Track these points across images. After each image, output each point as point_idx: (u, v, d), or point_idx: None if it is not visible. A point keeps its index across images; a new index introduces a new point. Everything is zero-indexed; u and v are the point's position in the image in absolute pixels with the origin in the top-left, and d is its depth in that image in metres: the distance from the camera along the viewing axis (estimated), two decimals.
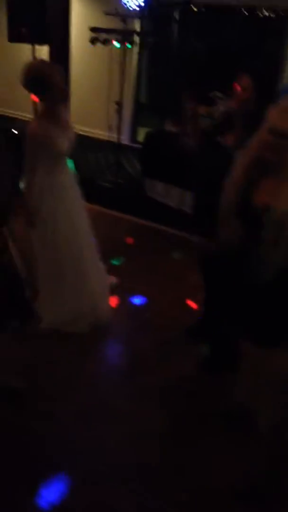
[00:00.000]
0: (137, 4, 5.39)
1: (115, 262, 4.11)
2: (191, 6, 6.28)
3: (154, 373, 2.94)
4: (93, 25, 5.97)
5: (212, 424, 2.60)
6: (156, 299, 3.67)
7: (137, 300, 3.65)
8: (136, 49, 6.40)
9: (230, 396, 2.71)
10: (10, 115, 8.44)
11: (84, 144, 7.65)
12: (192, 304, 3.60)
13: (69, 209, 3.05)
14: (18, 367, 2.83)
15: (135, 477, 2.29)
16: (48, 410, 2.59)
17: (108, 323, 3.31)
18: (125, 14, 5.53)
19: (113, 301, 3.57)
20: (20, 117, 7.59)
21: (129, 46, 5.69)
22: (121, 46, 5.71)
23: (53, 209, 2.98)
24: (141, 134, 6.92)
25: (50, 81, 2.64)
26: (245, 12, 6.07)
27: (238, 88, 4.30)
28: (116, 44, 5.73)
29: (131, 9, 5.45)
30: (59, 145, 2.80)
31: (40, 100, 2.79)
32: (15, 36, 5.54)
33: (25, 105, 5.77)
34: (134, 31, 6.19)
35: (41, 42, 5.40)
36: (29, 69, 2.66)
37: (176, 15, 6.83)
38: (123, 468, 2.33)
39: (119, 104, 5.99)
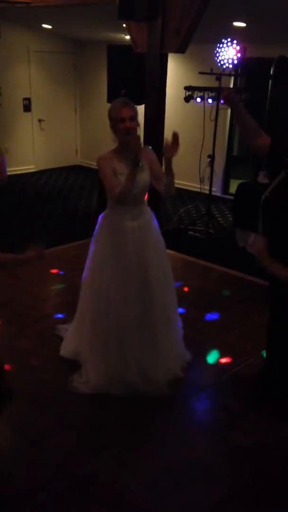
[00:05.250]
0: (231, 62, 5.54)
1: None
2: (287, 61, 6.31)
3: (247, 432, 2.77)
4: (187, 83, 6.23)
5: None
6: (248, 353, 3.52)
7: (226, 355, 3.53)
8: None
9: None
10: None
11: (176, 195, 7.81)
12: None
13: (123, 265, 2.80)
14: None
15: None
16: (134, 466, 2.51)
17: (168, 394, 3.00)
18: (220, 73, 5.70)
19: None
20: None
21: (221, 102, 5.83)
22: (214, 102, 5.87)
23: (103, 255, 2.85)
24: (234, 186, 6.92)
25: (110, 117, 2.81)
26: None
27: None
28: (209, 101, 5.91)
29: (225, 67, 5.62)
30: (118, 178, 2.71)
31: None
32: (113, 97, 5.90)
33: None
34: (228, 88, 6.31)
35: (138, 103, 5.70)
36: None
37: (272, 70, 6.91)
38: None
39: (212, 157, 6.09)
